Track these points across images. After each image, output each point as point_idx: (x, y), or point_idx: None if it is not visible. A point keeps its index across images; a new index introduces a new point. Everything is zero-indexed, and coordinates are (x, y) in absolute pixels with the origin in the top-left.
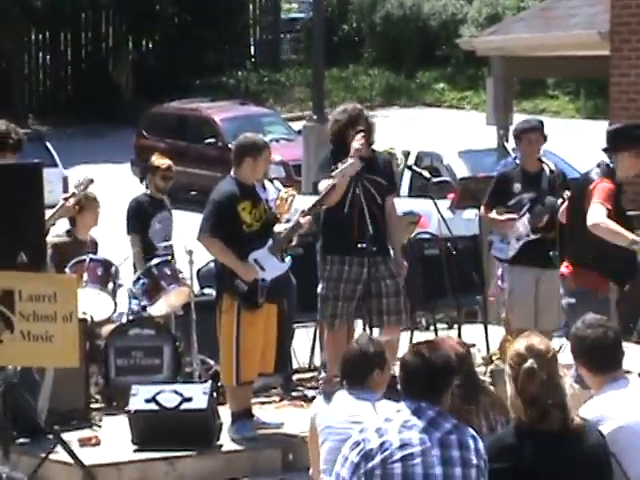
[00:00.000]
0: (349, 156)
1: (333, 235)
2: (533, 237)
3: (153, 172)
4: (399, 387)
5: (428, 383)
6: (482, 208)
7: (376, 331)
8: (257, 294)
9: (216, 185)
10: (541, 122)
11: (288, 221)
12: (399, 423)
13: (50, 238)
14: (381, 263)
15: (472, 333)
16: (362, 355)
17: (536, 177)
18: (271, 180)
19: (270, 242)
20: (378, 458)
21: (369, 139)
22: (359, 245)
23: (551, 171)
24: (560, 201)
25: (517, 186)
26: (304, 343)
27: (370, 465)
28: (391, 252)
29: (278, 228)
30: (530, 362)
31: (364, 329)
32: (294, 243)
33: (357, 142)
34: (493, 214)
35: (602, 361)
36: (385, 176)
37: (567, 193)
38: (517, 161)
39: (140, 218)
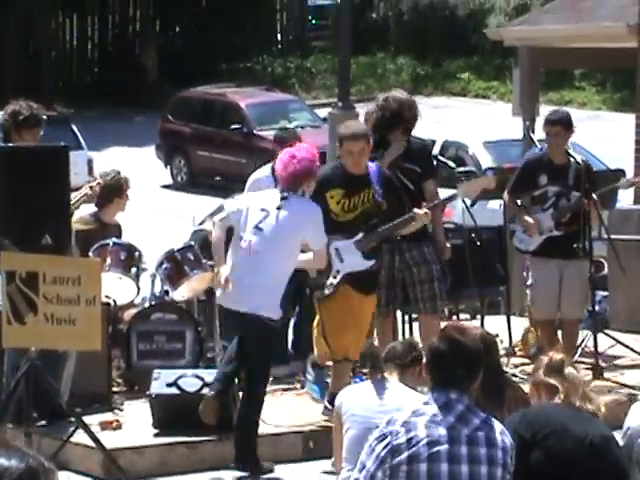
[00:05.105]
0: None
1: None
2: (557, 233)
3: None
4: (427, 374)
5: (459, 369)
6: (506, 195)
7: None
8: (324, 284)
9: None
10: (568, 114)
11: None
12: (427, 418)
13: (75, 223)
14: (411, 249)
15: (495, 324)
16: (409, 347)
17: (563, 170)
18: None
19: (360, 236)
20: (405, 454)
21: (408, 130)
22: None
23: (577, 164)
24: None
25: (543, 178)
26: None
27: (396, 461)
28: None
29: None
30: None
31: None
32: None
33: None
34: (521, 209)
35: None
36: (420, 162)
37: None
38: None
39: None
